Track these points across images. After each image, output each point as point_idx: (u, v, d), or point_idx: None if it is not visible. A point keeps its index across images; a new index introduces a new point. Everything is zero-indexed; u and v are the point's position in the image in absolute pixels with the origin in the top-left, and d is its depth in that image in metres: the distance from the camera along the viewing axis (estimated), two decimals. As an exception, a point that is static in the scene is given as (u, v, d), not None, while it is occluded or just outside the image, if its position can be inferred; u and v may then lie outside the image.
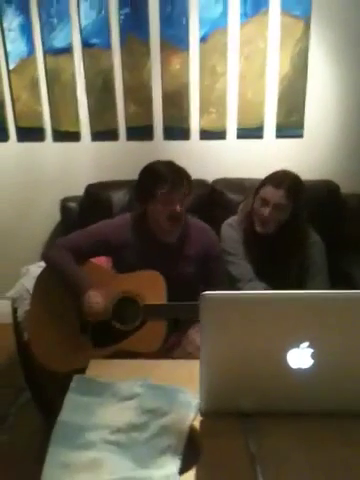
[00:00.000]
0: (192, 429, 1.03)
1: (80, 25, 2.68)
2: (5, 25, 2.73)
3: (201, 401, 1.08)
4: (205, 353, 1.03)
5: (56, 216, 2.78)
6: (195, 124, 2.77)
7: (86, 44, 2.71)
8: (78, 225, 2.13)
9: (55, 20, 2.69)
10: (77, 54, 2.74)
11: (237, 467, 0.94)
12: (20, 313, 2.07)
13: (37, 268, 2.06)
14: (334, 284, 2.21)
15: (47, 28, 2.71)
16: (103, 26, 2.67)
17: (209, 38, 2.62)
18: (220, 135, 2.77)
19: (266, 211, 1.92)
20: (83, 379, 1.20)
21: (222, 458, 0.97)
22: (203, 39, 2.63)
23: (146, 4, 2.61)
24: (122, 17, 2.65)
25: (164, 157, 2.78)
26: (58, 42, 2.72)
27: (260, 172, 2.64)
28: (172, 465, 0.90)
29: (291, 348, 1.02)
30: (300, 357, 1.02)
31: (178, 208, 1.81)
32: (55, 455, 0.93)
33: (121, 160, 2.82)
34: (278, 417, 1.06)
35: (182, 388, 1.13)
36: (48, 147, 2.91)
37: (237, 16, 2.58)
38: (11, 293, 2.12)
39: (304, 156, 2.76)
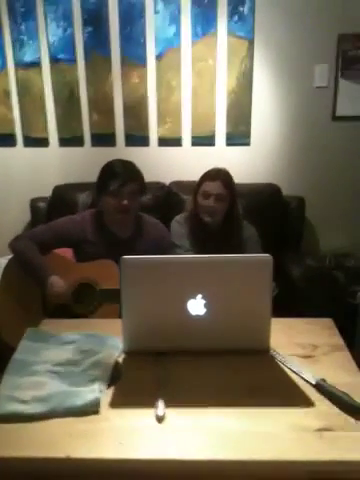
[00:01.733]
0: (116, 363, 1.35)
1: (48, 42, 2.96)
2: (-21, 41, 2.99)
3: (124, 342, 1.40)
4: (126, 305, 1.35)
5: (26, 215, 3.05)
6: (153, 132, 3.07)
7: (54, 59, 2.99)
8: (46, 223, 2.40)
9: (25, 37, 2.96)
10: (45, 68, 3.01)
11: (145, 388, 1.25)
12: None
13: (6, 260, 2.31)
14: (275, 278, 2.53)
15: (18, 44, 2.97)
16: (69, 43, 2.95)
17: (164, 56, 2.92)
18: (176, 142, 3.07)
19: (210, 202, 2.23)
20: (34, 330, 1.52)
21: (136, 383, 1.28)
22: (159, 56, 2.92)
23: (107, 24, 2.90)
24: (86, 35, 2.93)
25: (125, 162, 3.08)
26: (28, 57, 2.99)
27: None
28: (99, 386, 1.22)
29: (189, 299, 1.34)
30: (197, 306, 1.34)
31: (126, 202, 2.06)
32: (8, 381, 1.23)
33: (86, 164, 3.09)
34: (182, 354, 1.38)
35: (111, 335, 1.45)
36: (19, 152, 3.17)
37: (189, 36, 2.88)
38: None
39: (251, 162, 3.07)
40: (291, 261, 2.64)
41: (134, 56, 2.94)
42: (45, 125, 3.11)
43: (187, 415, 1.14)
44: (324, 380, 1.24)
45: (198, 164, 3.05)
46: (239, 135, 3.03)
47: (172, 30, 2.88)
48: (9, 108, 3.09)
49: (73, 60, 2.98)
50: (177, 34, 2.88)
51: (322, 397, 1.20)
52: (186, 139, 3.06)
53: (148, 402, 1.17)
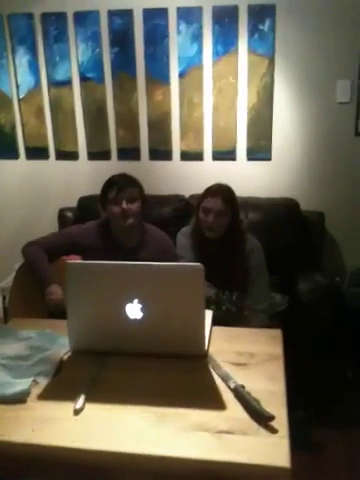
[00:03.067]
0: (61, 361, 1.50)
1: (78, 62, 3.13)
2: (17, 62, 3.21)
3: (70, 342, 1.53)
4: (71, 307, 1.48)
5: (55, 224, 3.23)
6: (176, 147, 3.17)
7: (83, 78, 3.16)
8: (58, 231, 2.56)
9: (57, 57, 3.15)
10: (76, 86, 3.19)
11: (76, 384, 1.38)
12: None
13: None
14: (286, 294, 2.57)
15: (50, 64, 3.17)
16: (97, 63, 3.11)
17: (186, 74, 3.02)
18: (198, 157, 3.15)
19: (210, 218, 2.30)
20: None
21: (70, 379, 1.43)
22: (181, 74, 3.03)
23: (133, 44, 3.04)
24: (113, 55, 3.08)
25: (149, 175, 3.23)
26: (60, 76, 3.18)
27: (234, 189, 3.03)
28: (30, 379, 1.38)
29: (127, 303, 1.43)
30: (134, 310, 1.44)
31: (125, 205, 2.18)
32: None
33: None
34: (121, 355, 1.51)
35: (63, 335, 1.58)
36: (51, 164, 3.37)
37: (210, 55, 2.96)
38: (2, 284, 2.57)
39: (272, 176, 3.11)
40: (301, 277, 2.65)
41: (158, 75, 3.06)
42: (75, 140, 3.28)
43: (103, 411, 1.27)
44: (243, 386, 1.31)
45: (219, 178, 3.11)
46: (260, 150, 3.08)
47: (194, 49, 2.97)
48: (43, 123, 3.30)
49: (101, 79, 3.14)
50: (199, 53, 2.97)
51: (238, 403, 1.28)
52: (207, 153, 3.14)
53: (73, 397, 1.31)
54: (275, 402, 1.27)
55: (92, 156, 3.30)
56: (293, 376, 2.36)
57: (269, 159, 3.09)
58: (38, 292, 2.23)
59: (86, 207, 3.09)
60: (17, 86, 3.26)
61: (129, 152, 3.24)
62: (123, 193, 2.21)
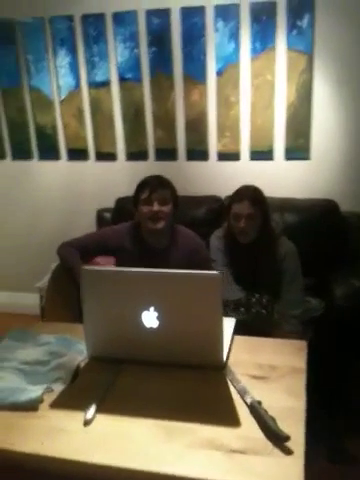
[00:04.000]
0: (78, 367, 1.49)
1: (117, 62, 3.16)
2: (58, 63, 3.27)
3: (87, 348, 1.52)
4: (87, 314, 1.46)
5: (93, 224, 3.27)
6: (213, 147, 3.13)
7: (121, 78, 3.18)
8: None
9: (96, 58, 3.19)
10: (114, 87, 3.21)
11: (91, 391, 1.36)
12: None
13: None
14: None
15: (90, 65, 3.21)
16: (135, 63, 3.12)
17: (224, 72, 2.97)
18: (235, 157, 3.10)
19: (241, 224, 2.25)
20: (19, 330, 1.71)
21: (84, 387, 1.41)
22: (219, 73, 2.99)
23: (170, 43, 3.02)
24: (151, 55, 3.08)
25: (185, 176, 3.22)
26: (99, 77, 3.22)
27: (271, 190, 2.96)
28: (57, 387, 1.38)
29: (143, 311, 1.40)
30: (150, 319, 1.41)
31: (156, 207, 2.17)
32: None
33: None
34: (137, 363, 1.48)
35: (81, 340, 1.57)
36: (91, 166, 3.42)
37: (248, 52, 2.90)
38: (39, 284, 2.62)
39: (310, 177, 3.01)
40: (338, 280, 2.55)
41: (195, 74, 3.03)
42: (114, 141, 3.31)
43: (113, 422, 1.24)
44: (260, 403, 1.25)
45: (256, 178, 3.06)
46: (298, 149, 2.99)
47: (231, 47, 2.92)
48: (82, 125, 3.34)
49: (139, 79, 3.14)
50: (236, 50, 2.92)
51: (254, 420, 1.22)
52: (244, 153, 3.09)
53: (85, 406, 1.29)
54: (293, 420, 1.21)
55: (130, 157, 3.32)
56: (326, 383, 2.30)
57: (308, 158, 3.00)
58: (73, 292, 2.26)
59: (123, 208, 3.10)
60: (58, 88, 3.32)
61: (166, 152, 3.23)
62: (155, 194, 2.20)
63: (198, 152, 3.17)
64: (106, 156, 3.36)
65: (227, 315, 2.01)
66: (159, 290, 1.40)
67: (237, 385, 1.36)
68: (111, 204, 3.21)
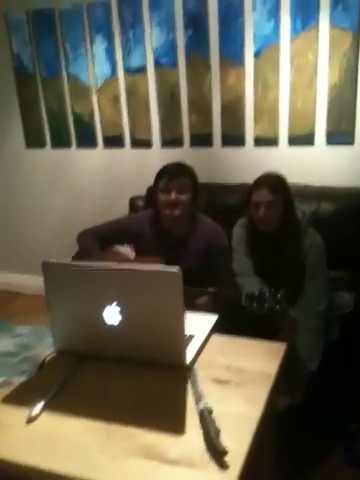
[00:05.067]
0: (44, 361, 1.43)
1: (152, 47, 3.08)
2: (94, 51, 3.24)
3: (53, 342, 1.45)
4: (52, 308, 1.39)
5: (127, 212, 3.21)
6: (250, 132, 2.99)
7: (157, 63, 3.10)
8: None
9: (132, 44, 3.13)
10: (150, 72, 3.14)
11: (46, 386, 1.29)
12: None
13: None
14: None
15: (126, 51, 3.15)
16: (171, 47, 3.03)
17: (262, 53, 2.83)
18: (273, 142, 2.95)
19: (260, 212, 2.12)
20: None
21: (49, 378, 1.34)
22: (257, 54, 2.84)
23: (207, 25, 2.91)
24: (187, 38, 2.98)
25: (221, 162, 3.10)
26: (134, 63, 3.16)
27: (310, 178, 2.80)
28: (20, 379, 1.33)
29: (106, 306, 1.32)
30: (112, 314, 1.32)
31: (174, 196, 2.09)
32: None
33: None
34: (100, 359, 1.39)
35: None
36: (126, 153, 3.36)
37: (287, 31, 2.74)
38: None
39: (354, 163, 2.80)
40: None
41: (232, 55, 2.90)
42: (149, 127, 3.24)
43: (58, 421, 1.17)
44: (211, 412, 1.12)
45: (294, 165, 2.92)
46: (341, 133, 2.79)
47: (270, 26, 2.77)
48: (118, 112, 3.29)
49: (175, 63, 3.05)
50: (275, 30, 2.77)
51: (201, 429, 1.10)
52: (283, 138, 2.92)
53: (35, 402, 1.22)
54: (242, 430, 1.09)
55: (165, 144, 3.23)
56: (348, 385, 2.11)
57: (351, 143, 2.79)
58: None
59: (152, 196, 3.02)
60: (95, 75, 3.29)
61: (201, 138, 3.12)
62: (174, 182, 2.14)
63: (234, 138, 3.03)
64: (141, 143, 3.29)
65: (241, 309, 1.89)
66: (120, 286, 1.32)
67: (195, 389, 1.25)
68: (145, 192, 3.13)
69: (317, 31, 2.69)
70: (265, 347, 1.49)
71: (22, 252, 3.94)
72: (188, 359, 1.37)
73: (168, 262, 2.11)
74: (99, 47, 3.22)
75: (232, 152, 3.06)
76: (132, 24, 3.10)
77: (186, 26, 2.97)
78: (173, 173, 2.16)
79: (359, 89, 2.70)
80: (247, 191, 2.28)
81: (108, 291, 1.32)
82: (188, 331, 1.44)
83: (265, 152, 2.98)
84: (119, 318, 1.33)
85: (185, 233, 2.22)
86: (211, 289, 2.00)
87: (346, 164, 2.82)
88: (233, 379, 1.31)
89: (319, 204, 2.64)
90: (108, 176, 3.45)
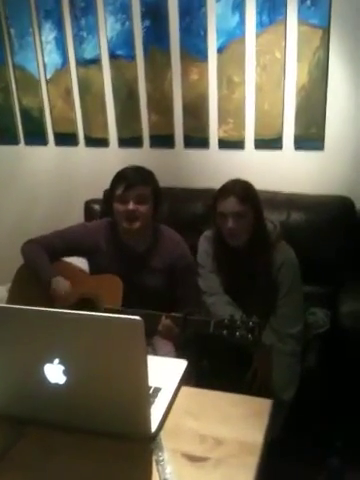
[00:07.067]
0: None
1: (107, 37, 2.80)
2: (43, 39, 2.94)
3: None
4: None
5: (81, 216, 2.98)
6: (214, 133, 2.78)
7: (112, 55, 2.83)
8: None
9: (85, 33, 2.84)
10: (105, 65, 2.87)
11: None
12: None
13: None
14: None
15: (78, 40, 2.86)
16: (127, 38, 2.77)
17: (226, 48, 2.60)
18: (238, 145, 2.75)
19: (228, 223, 1.95)
20: None
21: None
22: (220, 49, 2.61)
23: (167, 15, 2.65)
24: (145, 29, 2.71)
25: (184, 165, 2.90)
26: (88, 54, 2.87)
27: (278, 184, 2.64)
28: None
29: (46, 362, 1.09)
30: (55, 372, 1.09)
31: (131, 206, 1.88)
32: None
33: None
34: (44, 426, 1.17)
35: None
36: (81, 151, 3.11)
37: (253, 26, 2.52)
38: (5, 287, 2.35)
39: (323, 169, 2.65)
40: (347, 293, 2.23)
41: (194, 50, 2.67)
42: (105, 125, 2.98)
43: None
44: None
45: (261, 170, 2.75)
46: (311, 138, 2.62)
47: (235, 20, 2.54)
48: (71, 107, 3.02)
49: (132, 56, 2.79)
50: (241, 24, 2.54)
51: None
52: (249, 141, 2.73)
53: None
54: None
55: (123, 143, 2.99)
56: (328, 413, 2.01)
57: (321, 149, 2.63)
58: (39, 296, 1.99)
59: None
60: (44, 66, 2.99)
61: (162, 139, 2.89)
62: (132, 191, 1.92)
63: (197, 139, 2.82)
64: (97, 142, 3.04)
65: (209, 335, 1.74)
66: (66, 337, 1.08)
67: (162, 470, 1.05)
68: (101, 195, 2.90)
69: (285, 27, 2.49)
70: (245, 405, 1.27)
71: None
72: (153, 426, 1.16)
73: (127, 281, 1.94)
74: (49, 35, 2.92)
75: (195, 154, 2.85)
76: (84, 11, 2.80)
77: (143, 16, 2.70)
78: (131, 180, 1.94)
79: (329, 91, 2.53)
80: (212, 200, 2.10)
81: (49, 342, 1.09)
82: (152, 382, 1.24)
83: (231, 155, 2.79)
84: (64, 377, 1.10)
85: (146, 248, 2.03)
86: (176, 314, 1.83)
87: (315, 170, 2.67)
88: (209, 454, 1.10)
89: (289, 212, 2.50)
90: (61, 177, 3.19)
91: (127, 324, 1.02)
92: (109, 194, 2.00)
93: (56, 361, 1.08)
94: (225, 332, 1.72)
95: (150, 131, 2.90)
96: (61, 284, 1.93)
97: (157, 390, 1.30)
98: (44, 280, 1.95)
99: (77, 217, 3.02)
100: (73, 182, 3.16)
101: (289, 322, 2.00)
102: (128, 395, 1.08)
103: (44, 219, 3.21)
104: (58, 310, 1.09)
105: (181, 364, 1.44)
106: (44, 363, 1.09)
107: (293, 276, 2.02)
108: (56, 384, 1.11)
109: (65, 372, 1.09)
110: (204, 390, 1.35)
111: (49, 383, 1.11)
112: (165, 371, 1.40)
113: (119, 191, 1.93)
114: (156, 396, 1.27)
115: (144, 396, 1.09)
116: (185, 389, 1.35)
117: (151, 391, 1.26)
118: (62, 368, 1.09)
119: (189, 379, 1.44)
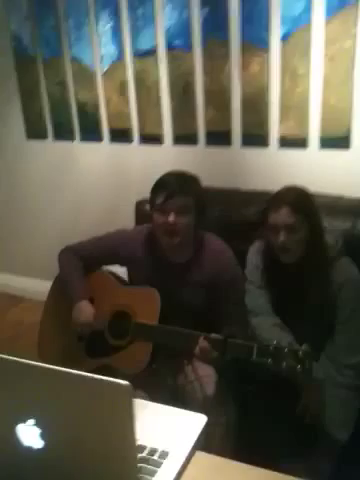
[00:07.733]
0: None
1: (164, 27, 2.65)
2: (100, 30, 2.83)
3: None
4: None
5: (132, 217, 2.86)
6: (274, 130, 2.56)
7: (169, 46, 2.67)
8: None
9: (141, 23, 2.70)
10: (161, 56, 2.72)
11: None
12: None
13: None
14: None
15: (135, 31, 2.73)
16: (185, 27, 2.59)
17: (290, 37, 2.36)
18: (300, 143, 2.51)
19: (280, 237, 1.72)
20: None
21: None
22: (284, 38, 2.38)
23: (226, 3, 2.45)
24: (203, 17, 2.53)
25: (240, 164, 2.70)
26: (144, 44, 2.73)
27: (344, 188, 2.38)
28: None
29: (19, 423, 0.92)
30: (29, 434, 0.92)
31: (172, 218, 1.71)
32: None
33: (198, 166, 2.73)
34: None
35: None
36: (134, 149, 2.98)
37: (322, 12, 2.26)
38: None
39: None
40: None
41: (255, 39, 2.45)
42: (160, 120, 2.84)
43: None
44: None
45: (325, 171, 2.50)
46: (384, 136, 2.33)
47: (301, 5, 2.30)
48: (126, 101, 2.90)
49: (189, 46, 2.62)
50: (307, 10, 2.29)
51: None
52: (313, 140, 2.48)
53: None
54: None
55: (178, 140, 2.83)
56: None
57: None
58: (69, 311, 1.89)
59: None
60: (101, 58, 2.89)
61: (219, 136, 2.70)
62: (172, 202, 1.74)
63: (256, 137, 2.60)
64: (151, 138, 2.89)
65: (250, 364, 1.54)
66: (44, 393, 0.91)
67: None
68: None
69: (357, 11, 2.21)
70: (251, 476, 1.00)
71: (23, 253, 3.66)
72: None
73: (164, 295, 1.78)
74: (105, 25, 2.80)
75: (253, 153, 2.63)
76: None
77: (202, 4, 2.51)
78: (172, 190, 1.76)
79: None
80: (263, 209, 1.89)
81: (24, 401, 0.93)
82: (159, 444, 1.08)
83: (292, 155, 2.55)
84: (41, 442, 0.93)
85: (186, 259, 1.85)
86: (215, 335, 1.65)
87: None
88: None
89: (356, 222, 2.21)
90: (114, 176, 3.08)
91: (113, 388, 0.84)
92: (150, 201, 1.84)
93: (30, 422, 0.92)
94: (270, 361, 1.51)
95: (206, 127, 2.72)
96: (82, 313, 1.83)
97: (164, 455, 1.06)
98: (72, 301, 1.86)
99: (127, 217, 2.89)
100: (125, 181, 3.04)
101: (349, 351, 1.74)
102: (113, 467, 0.91)
103: (94, 217, 3.14)
104: (36, 363, 0.91)
105: (200, 420, 1.17)
106: (16, 423, 0.93)
107: (355, 299, 1.76)
108: (30, 447, 0.94)
109: (42, 435, 0.93)
110: (225, 460, 1.07)
111: (22, 446, 0.94)
112: (178, 428, 1.15)
113: (159, 200, 1.77)
114: (161, 463, 1.03)
115: (132, 465, 0.91)
116: (201, 456, 1.07)
117: (156, 456, 1.05)
118: (38, 431, 0.92)
119: (212, 436, 1.24)
